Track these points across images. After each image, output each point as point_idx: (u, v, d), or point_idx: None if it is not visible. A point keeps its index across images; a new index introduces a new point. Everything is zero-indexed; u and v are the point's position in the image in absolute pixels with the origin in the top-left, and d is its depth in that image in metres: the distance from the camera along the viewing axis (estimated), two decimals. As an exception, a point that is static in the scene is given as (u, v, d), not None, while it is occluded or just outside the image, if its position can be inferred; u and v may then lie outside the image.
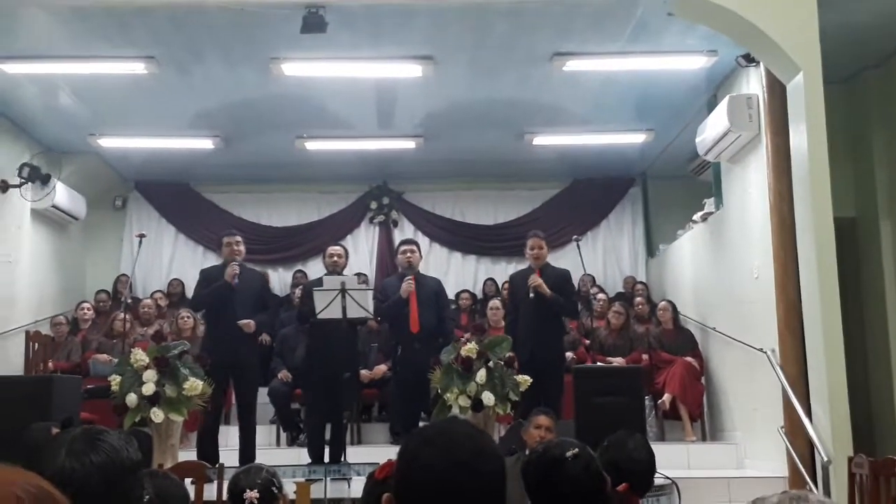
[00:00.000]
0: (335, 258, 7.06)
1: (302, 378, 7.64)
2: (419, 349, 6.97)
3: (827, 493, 5.35)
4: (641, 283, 10.68)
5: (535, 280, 6.91)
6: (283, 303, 10.14)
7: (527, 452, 3.56)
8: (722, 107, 7.42)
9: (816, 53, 5.79)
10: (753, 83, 7.32)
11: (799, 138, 5.92)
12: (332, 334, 6.54)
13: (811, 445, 5.88)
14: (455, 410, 6.05)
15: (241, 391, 6.97)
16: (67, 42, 7.11)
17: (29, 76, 7.84)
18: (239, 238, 7.10)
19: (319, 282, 6.84)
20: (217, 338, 6.92)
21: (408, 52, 7.41)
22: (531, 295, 6.87)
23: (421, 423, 7.00)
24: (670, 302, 8.93)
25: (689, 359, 8.30)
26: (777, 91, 6.50)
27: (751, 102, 7.22)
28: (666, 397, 8.00)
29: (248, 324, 6.79)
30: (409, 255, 7.30)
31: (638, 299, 9.73)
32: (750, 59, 7.15)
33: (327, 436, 6.88)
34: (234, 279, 6.82)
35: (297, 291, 8.83)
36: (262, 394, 8.16)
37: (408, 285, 7.08)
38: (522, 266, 7.67)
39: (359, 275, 9.71)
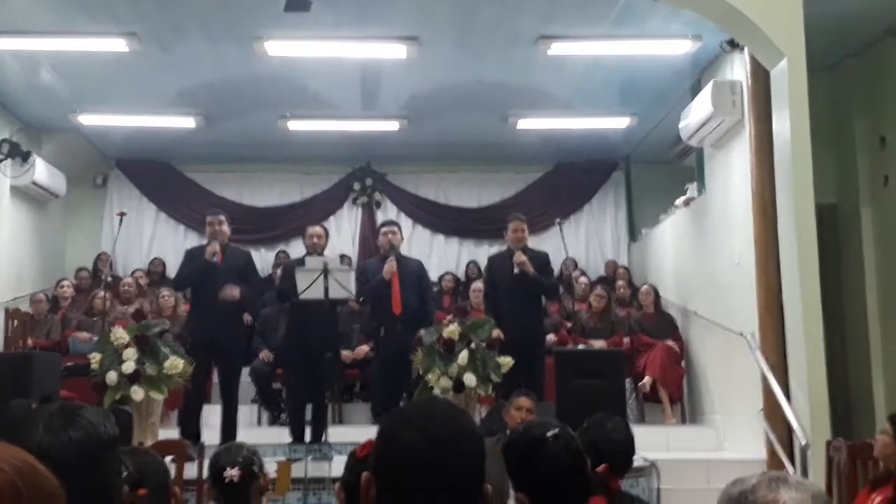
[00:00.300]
0: (314, 238, 7.04)
1: (282, 358, 7.63)
2: (401, 331, 6.96)
3: (805, 476, 5.40)
4: (623, 266, 10.71)
5: (521, 257, 6.91)
6: (265, 283, 10.10)
7: (507, 433, 3.57)
8: (706, 92, 7.43)
9: (800, 40, 5.80)
10: (737, 69, 7.33)
11: (782, 124, 5.94)
12: (312, 314, 6.53)
13: (790, 429, 5.93)
14: (437, 391, 6.06)
15: (222, 371, 6.92)
16: (49, 17, 7.03)
17: (10, 52, 7.75)
18: (222, 217, 7.04)
19: (300, 261, 6.82)
20: (199, 317, 6.89)
21: (392, 32, 7.37)
22: (516, 271, 6.87)
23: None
24: (653, 286, 8.97)
25: (669, 342, 8.35)
26: (761, 77, 6.52)
27: (734, 88, 7.23)
28: (646, 380, 8.05)
29: (230, 290, 6.73)
30: (390, 236, 7.25)
31: (620, 283, 9.76)
32: (734, 45, 7.16)
33: (308, 416, 6.88)
34: (213, 257, 6.78)
35: (279, 271, 8.80)
36: (244, 373, 8.15)
37: (390, 266, 7.05)
38: (504, 249, 7.66)
39: (342, 256, 9.68)
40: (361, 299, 7.53)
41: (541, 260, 7.11)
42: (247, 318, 8.91)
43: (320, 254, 6.92)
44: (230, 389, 6.86)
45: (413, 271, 7.26)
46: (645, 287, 8.98)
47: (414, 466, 1.46)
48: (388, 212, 11.38)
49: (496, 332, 6.57)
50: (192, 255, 7.07)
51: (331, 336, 6.84)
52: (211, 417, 7.01)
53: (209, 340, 6.62)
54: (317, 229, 7.15)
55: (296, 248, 10.49)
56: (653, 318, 8.65)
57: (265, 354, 8.19)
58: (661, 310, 8.84)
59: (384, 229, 7.41)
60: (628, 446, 3.34)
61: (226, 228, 7.00)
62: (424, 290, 7.39)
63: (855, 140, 7.48)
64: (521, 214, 7.44)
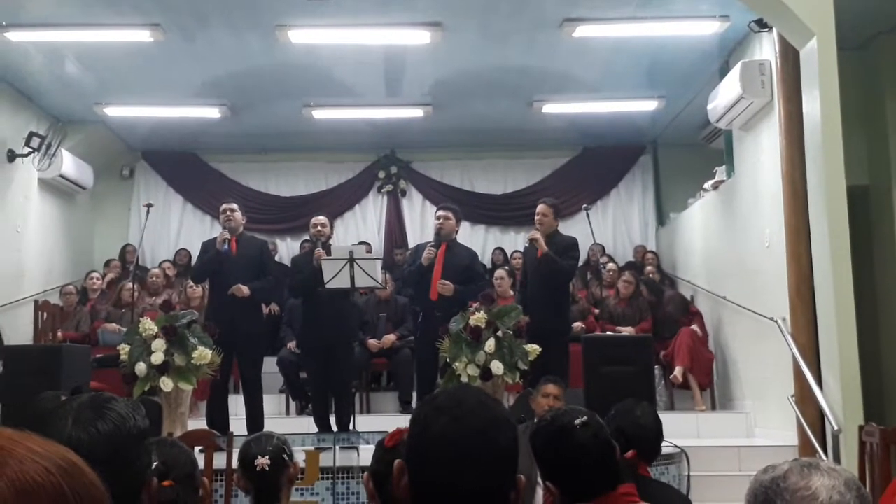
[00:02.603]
0: (318, 227, 7.06)
1: (302, 348, 7.66)
2: (440, 318, 6.84)
3: (837, 461, 5.33)
4: (651, 252, 10.63)
5: (534, 234, 6.91)
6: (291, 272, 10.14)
7: (535, 421, 3.55)
8: (734, 73, 7.34)
9: (830, 18, 5.70)
10: (766, 49, 7.23)
11: (812, 105, 5.85)
12: (326, 305, 6.55)
13: (821, 414, 5.86)
14: (464, 380, 6.04)
15: (241, 361, 6.90)
16: (72, 9, 7.06)
17: (35, 45, 7.79)
18: (234, 206, 7.03)
19: (308, 254, 6.85)
20: (215, 308, 6.90)
21: (415, 18, 7.33)
22: (525, 245, 6.87)
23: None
24: (644, 281, 8.92)
25: (694, 328, 8.29)
26: (790, 57, 6.42)
27: (763, 69, 7.14)
28: (677, 370, 7.94)
29: (238, 288, 6.72)
30: (441, 221, 7.15)
31: (648, 268, 9.69)
32: (763, 25, 7.06)
33: (333, 405, 6.89)
34: (223, 246, 6.79)
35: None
36: (272, 363, 8.18)
37: (428, 252, 7.00)
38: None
39: (362, 243, 9.69)
40: (403, 282, 7.50)
41: (565, 243, 7.03)
42: (273, 307, 8.95)
43: (325, 243, 6.95)
44: (251, 379, 6.87)
45: (461, 260, 7.08)
46: (626, 274, 8.95)
47: (447, 456, 1.45)
48: (413, 199, 11.37)
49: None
50: (206, 247, 7.10)
51: (346, 325, 6.82)
52: (240, 408, 7.04)
53: (227, 330, 6.61)
54: (320, 219, 7.16)
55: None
56: (657, 307, 8.64)
57: (293, 345, 8.21)
58: (663, 296, 8.82)
59: (437, 214, 7.30)
60: (656, 433, 3.30)
61: (238, 216, 6.99)
62: (471, 281, 7.18)
63: (887, 120, 7.34)
64: (547, 199, 7.36)
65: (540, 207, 7.10)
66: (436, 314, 6.83)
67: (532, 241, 6.88)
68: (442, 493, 1.45)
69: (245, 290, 6.72)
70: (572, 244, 7.12)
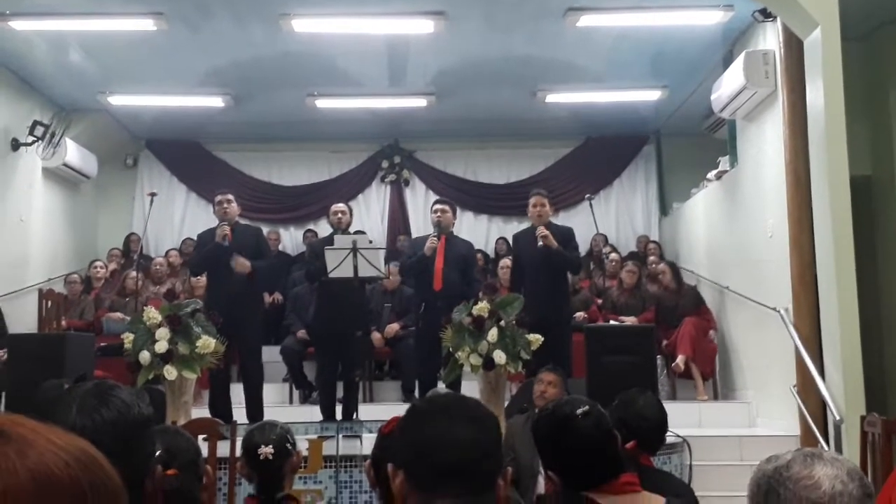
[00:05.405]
0: (339, 215, 7.08)
1: (312, 336, 7.68)
2: (441, 308, 6.90)
3: (839, 451, 5.35)
4: (654, 242, 10.63)
5: (543, 230, 6.89)
6: (296, 261, 10.16)
7: (536, 410, 3.56)
8: (738, 63, 7.32)
9: (834, 8, 5.69)
10: (770, 39, 7.21)
11: (815, 95, 5.84)
12: (341, 293, 6.55)
13: (823, 404, 5.88)
14: (466, 369, 6.07)
15: (241, 350, 6.91)
16: (76, -2, 7.06)
17: (39, 33, 7.79)
18: (230, 196, 7.04)
19: (328, 240, 6.84)
20: (214, 299, 6.91)
21: (419, 7, 7.32)
22: (539, 244, 6.85)
23: (439, 382, 7.00)
24: (669, 263, 8.87)
25: (711, 333, 8.29)
26: (794, 47, 6.41)
27: (767, 58, 7.12)
28: (679, 359, 7.93)
29: (242, 262, 6.71)
30: (439, 214, 7.23)
31: (651, 258, 9.69)
32: (767, 14, 7.04)
33: (339, 394, 6.91)
34: (224, 240, 6.79)
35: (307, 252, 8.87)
36: (275, 352, 8.20)
37: (431, 243, 7.06)
38: (528, 225, 7.58)
39: (358, 232, 9.68)
40: (404, 272, 7.54)
41: (564, 235, 7.05)
42: (276, 296, 8.97)
43: (345, 230, 6.96)
44: (250, 368, 6.89)
45: (459, 251, 7.22)
46: (661, 266, 8.88)
47: (439, 413, 1.52)
48: (416, 189, 11.36)
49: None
50: (203, 239, 7.11)
51: (360, 314, 6.84)
52: (242, 397, 7.05)
53: (226, 319, 6.61)
54: (340, 206, 7.18)
55: (324, 227, 10.50)
56: (671, 296, 8.57)
57: (301, 333, 8.20)
58: (682, 286, 8.72)
59: (434, 207, 7.39)
60: (660, 423, 3.29)
61: (234, 207, 7.02)
62: (469, 271, 7.33)
63: (890, 111, 7.33)
64: (541, 190, 7.37)
65: (537, 199, 7.09)
66: (437, 304, 6.88)
67: (543, 237, 6.85)
68: (437, 460, 1.47)
69: (247, 263, 6.71)
70: (572, 234, 7.16)
